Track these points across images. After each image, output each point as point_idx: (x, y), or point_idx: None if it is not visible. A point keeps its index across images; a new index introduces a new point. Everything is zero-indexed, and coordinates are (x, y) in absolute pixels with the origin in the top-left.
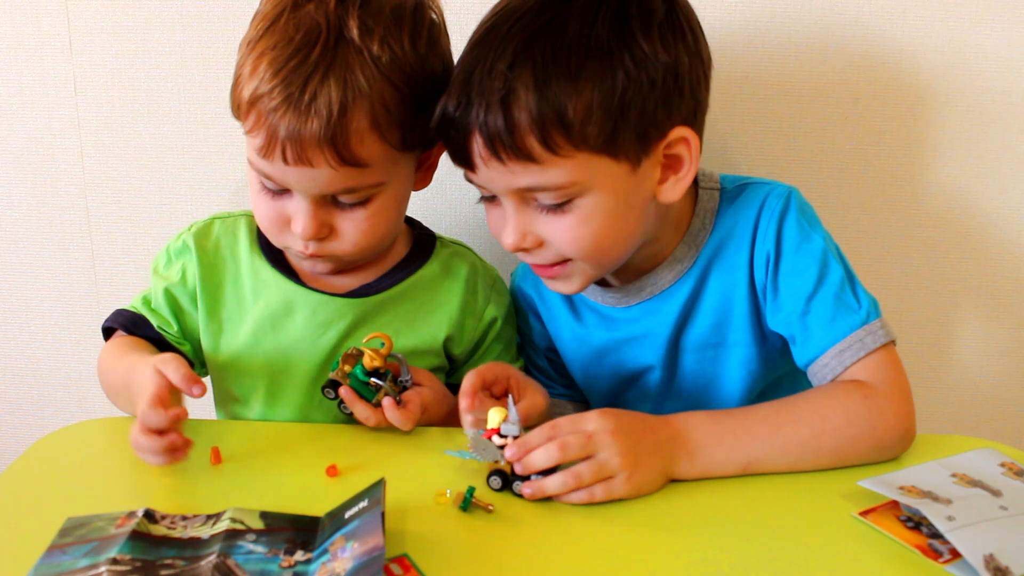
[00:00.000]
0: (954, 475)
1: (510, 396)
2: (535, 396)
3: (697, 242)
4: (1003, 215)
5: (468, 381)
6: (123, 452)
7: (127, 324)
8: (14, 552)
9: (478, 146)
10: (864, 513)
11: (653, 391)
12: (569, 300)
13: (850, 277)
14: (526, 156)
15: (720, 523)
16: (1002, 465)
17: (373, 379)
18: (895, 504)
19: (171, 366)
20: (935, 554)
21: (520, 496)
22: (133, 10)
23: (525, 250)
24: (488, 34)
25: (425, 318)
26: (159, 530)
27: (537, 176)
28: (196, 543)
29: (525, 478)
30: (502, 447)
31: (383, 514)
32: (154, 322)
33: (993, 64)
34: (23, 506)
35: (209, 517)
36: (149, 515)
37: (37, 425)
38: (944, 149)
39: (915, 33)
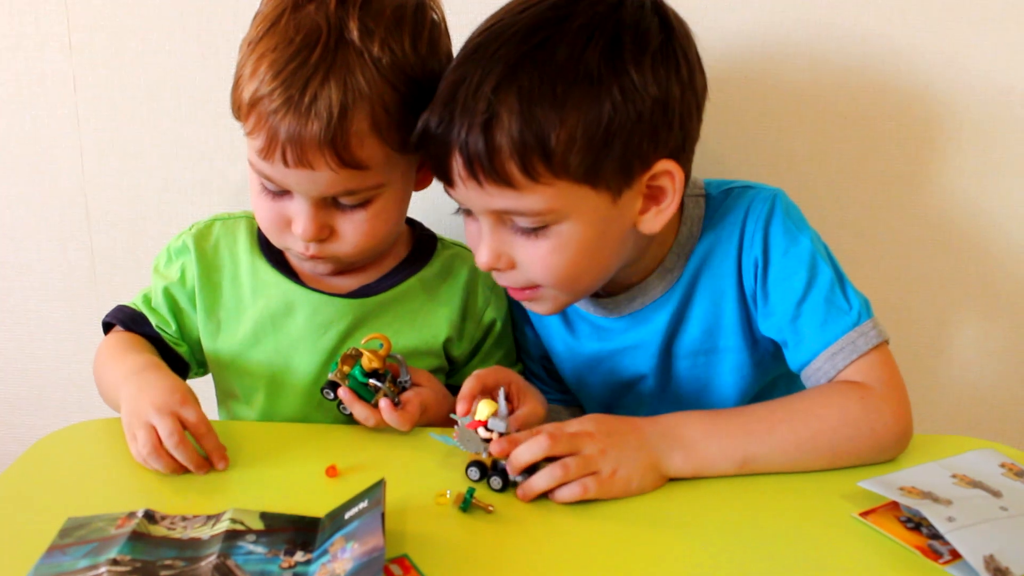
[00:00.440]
0: (954, 476)
1: (502, 390)
2: (535, 404)
3: (685, 251)
4: (1003, 215)
5: (467, 386)
6: (123, 452)
7: (126, 321)
8: (14, 552)
9: (457, 165)
10: (864, 514)
11: (648, 398)
12: (562, 312)
13: (840, 278)
14: (504, 181)
15: (720, 523)
16: (1002, 466)
17: (372, 380)
18: (895, 505)
19: (208, 438)
20: (935, 555)
21: (496, 491)
22: (133, 10)
23: (498, 270)
24: (476, 51)
25: (425, 319)
26: (159, 531)
27: (514, 201)
28: (196, 544)
29: (503, 474)
30: (486, 440)
31: (383, 515)
32: (153, 321)
33: (992, 64)
34: (23, 506)
35: (209, 518)
36: (149, 516)
37: (37, 425)
38: (944, 149)
39: (915, 33)
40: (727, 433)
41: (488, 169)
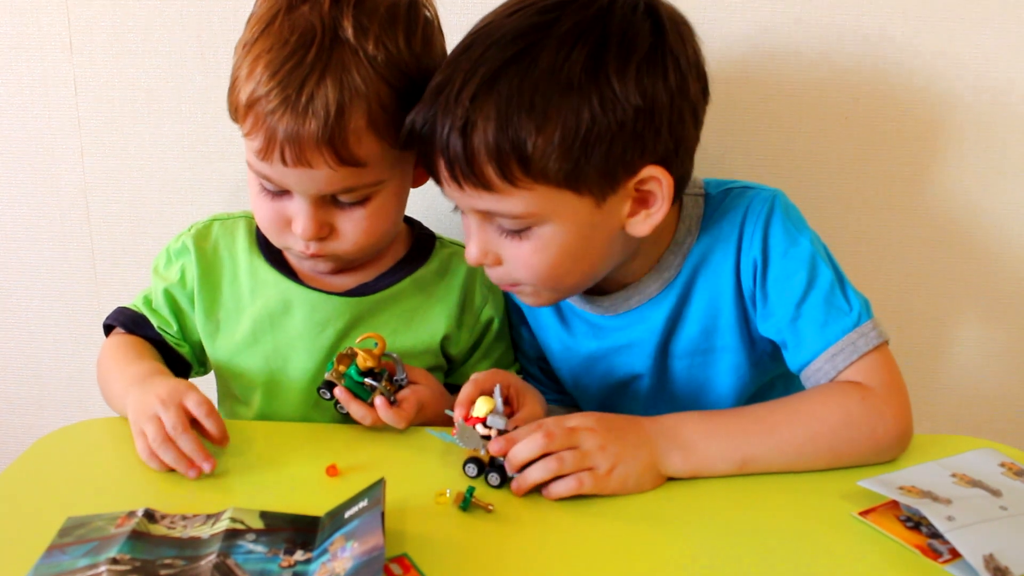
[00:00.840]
0: (954, 475)
1: (498, 387)
2: (534, 404)
3: (683, 250)
4: (1003, 215)
5: (465, 391)
6: (123, 452)
7: (127, 323)
8: (14, 552)
9: (441, 166)
10: (864, 513)
11: (644, 398)
12: (558, 310)
13: (840, 279)
14: (483, 184)
15: (720, 523)
16: (1002, 465)
17: (368, 380)
18: (895, 504)
19: (211, 420)
20: (935, 554)
21: (494, 488)
22: (133, 10)
23: (486, 265)
24: (463, 53)
25: (423, 318)
26: (159, 530)
27: (495, 203)
28: (196, 543)
29: (500, 470)
30: (485, 437)
31: (383, 514)
32: (154, 322)
33: (992, 65)
34: (23, 506)
35: (209, 517)
36: (149, 515)
37: (37, 425)
38: (944, 149)
39: (915, 34)
40: (726, 433)
41: (467, 172)
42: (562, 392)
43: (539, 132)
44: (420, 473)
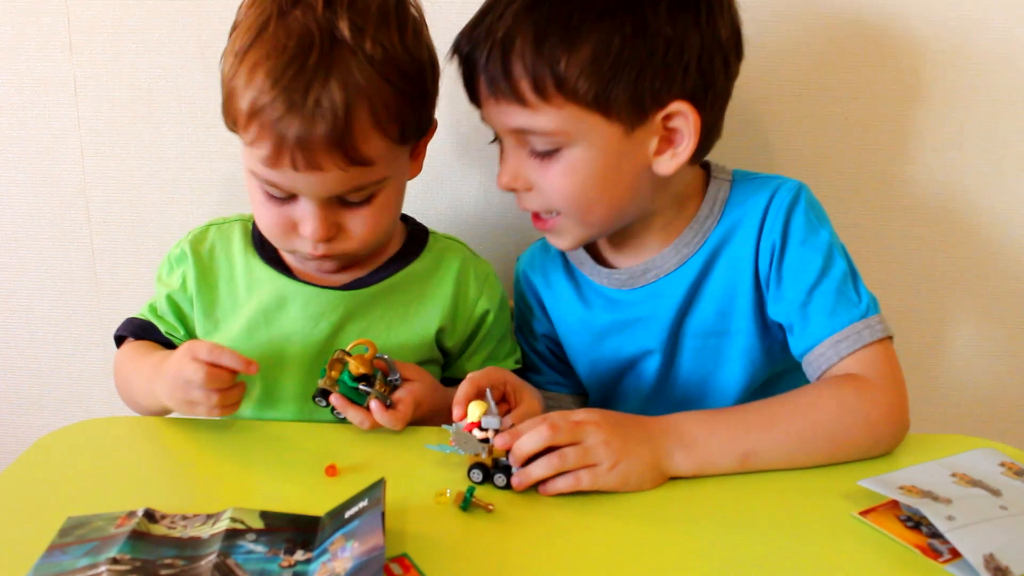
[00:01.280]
0: (954, 475)
1: (488, 391)
2: (531, 400)
3: (704, 228)
4: (1004, 215)
5: (462, 390)
6: (123, 452)
7: (137, 331)
8: (14, 552)
9: (481, 84)
10: (864, 513)
11: (650, 378)
12: (575, 284)
13: (853, 273)
14: (518, 100)
15: (720, 522)
16: (1002, 465)
17: (361, 385)
18: (895, 504)
19: (225, 355)
20: (935, 554)
21: (501, 489)
22: (133, 10)
23: (515, 191)
24: None
25: (417, 311)
26: (159, 530)
27: (528, 119)
28: (196, 543)
29: (506, 471)
30: (483, 440)
31: (383, 514)
32: (162, 328)
33: (993, 64)
34: (23, 506)
35: (209, 517)
36: (149, 515)
37: (37, 425)
38: (944, 149)
39: (915, 33)
40: (727, 429)
41: (504, 88)
42: (566, 374)
43: (572, 52)
44: (420, 473)
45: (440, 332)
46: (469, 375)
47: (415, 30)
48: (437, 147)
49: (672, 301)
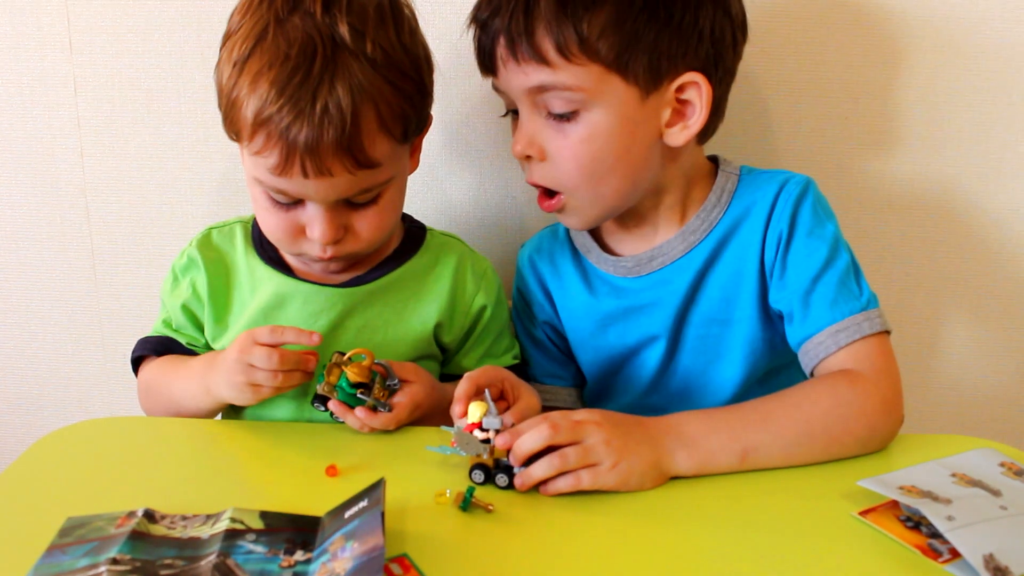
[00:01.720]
0: (954, 475)
1: (487, 391)
2: (529, 398)
3: (712, 217)
4: (1004, 215)
5: (461, 388)
6: (123, 452)
7: (158, 347)
8: (14, 552)
9: (500, 47)
10: (864, 513)
11: (651, 368)
12: (583, 272)
13: (855, 267)
14: (540, 58)
15: (720, 522)
16: (1002, 465)
17: (359, 393)
18: (895, 504)
19: (288, 332)
20: (935, 554)
21: (502, 489)
22: (133, 10)
23: (529, 159)
24: None
25: (415, 307)
26: (159, 530)
27: (549, 76)
28: (196, 543)
29: (507, 471)
30: (484, 440)
31: (383, 514)
32: (183, 340)
33: (993, 64)
34: (23, 506)
35: (209, 517)
36: (149, 515)
37: (37, 425)
38: (944, 149)
39: (915, 32)
40: (726, 426)
41: (526, 49)
42: (565, 365)
43: (594, 12)
44: (420, 473)
45: (438, 327)
46: (467, 374)
47: (411, 29)
48: (430, 145)
49: (678, 288)
